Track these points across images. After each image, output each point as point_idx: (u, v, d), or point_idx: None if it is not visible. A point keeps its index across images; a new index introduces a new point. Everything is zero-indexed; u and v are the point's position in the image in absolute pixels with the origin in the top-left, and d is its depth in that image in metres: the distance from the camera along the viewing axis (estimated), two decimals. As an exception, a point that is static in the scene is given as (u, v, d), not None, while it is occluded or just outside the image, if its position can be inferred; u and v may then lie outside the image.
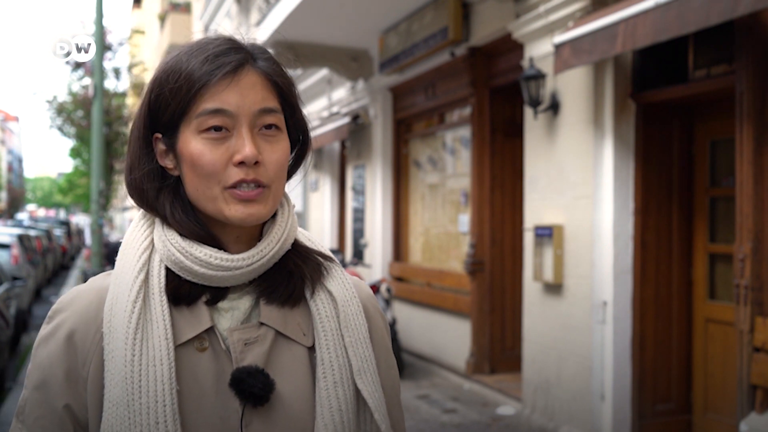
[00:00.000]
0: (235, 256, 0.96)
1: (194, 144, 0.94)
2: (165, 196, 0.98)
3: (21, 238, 13.29)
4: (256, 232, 1.01)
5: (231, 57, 0.94)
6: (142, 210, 1.02)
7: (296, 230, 1.05)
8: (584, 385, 5.02)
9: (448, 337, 7.36)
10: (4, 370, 7.00)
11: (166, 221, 0.98)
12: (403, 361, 7.33)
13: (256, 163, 0.93)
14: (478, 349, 6.80)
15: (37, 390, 0.94)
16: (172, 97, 0.94)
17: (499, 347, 6.84)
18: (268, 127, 0.95)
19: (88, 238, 19.53)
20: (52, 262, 18.89)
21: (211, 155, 0.93)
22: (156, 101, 0.96)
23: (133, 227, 1.01)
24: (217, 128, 0.93)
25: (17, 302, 9.09)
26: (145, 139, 0.98)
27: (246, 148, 0.92)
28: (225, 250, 0.97)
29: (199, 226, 0.97)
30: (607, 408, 4.87)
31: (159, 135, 0.98)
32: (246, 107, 0.93)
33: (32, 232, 17.00)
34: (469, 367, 6.83)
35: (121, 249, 0.99)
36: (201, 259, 0.94)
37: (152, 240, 0.98)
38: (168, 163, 0.98)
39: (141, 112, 0.99)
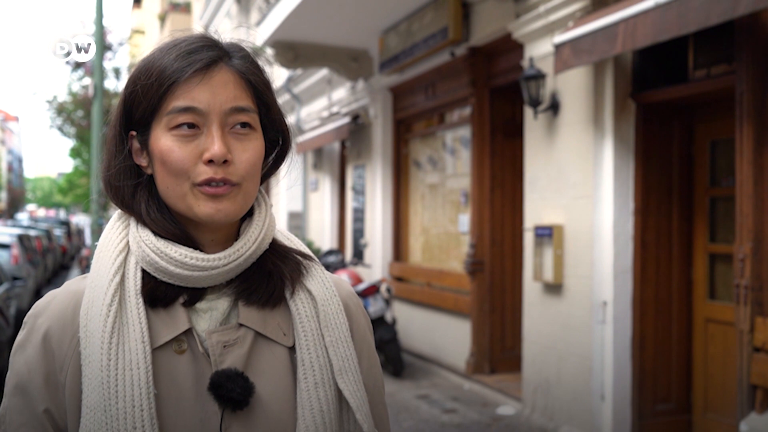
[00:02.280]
0: (211, 256, 0.94)
1: (164, 141, 0.93)
2: (140, 195, 0.98)
3: (21, 238, 13.28)
4: (232, 233, 0.99)
5: (203, 54, 0.93)
6: (117, 212, 1.01)
7: (274, 229, 1.04)
8: (584, 385, 5.02)
9: (448, 337, 7.36)
10: (4, 370, 7.01)
11: (142, 220, 0.97)
12: (403, 361, 7.32)
13: (226, 161, 0.92)
14: (478, 349, 6.79)
15: (17, 397, 0.93)
16: (144, 95, 0.93)
17: (499, 347, 6.84)
18: (241, 125, 0.94)
19: (88, 238, 19.53)
20: (52, 262, 18.87)
21: (181, 152, 0.92)
22: (130, 98, 0.96)
23: (108, 230, 1.00)
24: (189, 125, 0.92)
25: (17, 302, 9.09)
26: (121, 136, 0.98)
27: (215, 146, 0.91)
28: (201, 251, 0.96)
29: (174, 225, 0.96)
30: (607, 408, 4.87)
31: (133, 133, 0.97)
32: (217, 105, 0.92)
33: (32, 232, 16.98)
34: (469, 367, 6.83)
35: (96, 252, 0.98)
36: (176, 259, 0.93)
37: (128, 242, 0.97)
38: (142, 161, 0.97)
39: (117, 110, 0.98)
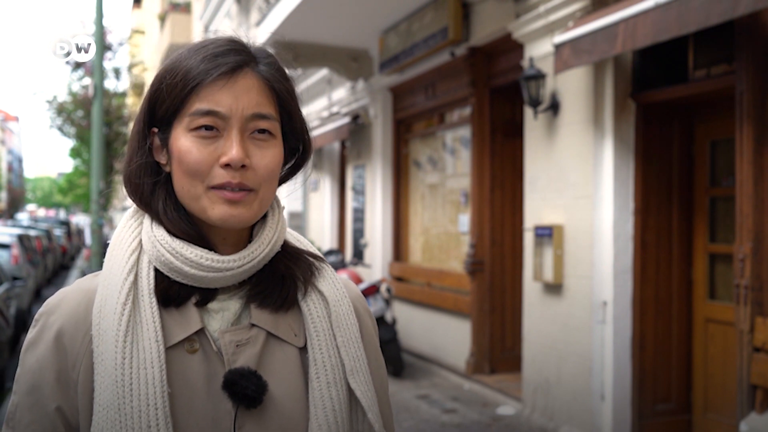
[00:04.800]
0: (226, 257, 0.95)
1: (183, 141, 0.93)
2: (159, 193, 0.98)
3: (21, 238, 13.28)
4: (244, 234, 1.00)
5: (229, 58, 0.94)
6: (130, 210, 1.02)
7: (286, 231, 1.05)
8: (584, 385, 5.02)
9: (448, 337, 7.36)
10: (4, 370, 7.00)
11: (158, 218, 0.97)
12: (403, 361, 7.32)
13: (243, 166, 0.92)
14: (478, 349, 6.79)
15: (28, 395, 0.93)
16: (168, 94, 0.94)
17: (499, 347, 6.84)
18: (260, 132, 0.95)
19: (88, 238, 19.53)
20: (52, 262, 18.87)
21: (198, 153, 0.92)
22: (154, 96, 0.97)
23: (121, 228, 1.01)
24: (208, 127, 0.93)
25: (17, 302, 9.09)
26: (143, 133, 0.99)
27: (233, 151, 0.92)
28: (215, 251, 0.96)
29: (190, 225, 0.96)
30: (607, 408, 4.87)
31: (155, 129, 0.98)
32: (238, 110, 0.93)
33: (32, 232, 16.98)
34: (469, 367, 6.83)
35: (109, 250, 0.98)
36: (191, 259, 0.94)
37: (140, 241, 0.98)
38: (161, 158, 0.98)
39: (142, 107, 0.99)
